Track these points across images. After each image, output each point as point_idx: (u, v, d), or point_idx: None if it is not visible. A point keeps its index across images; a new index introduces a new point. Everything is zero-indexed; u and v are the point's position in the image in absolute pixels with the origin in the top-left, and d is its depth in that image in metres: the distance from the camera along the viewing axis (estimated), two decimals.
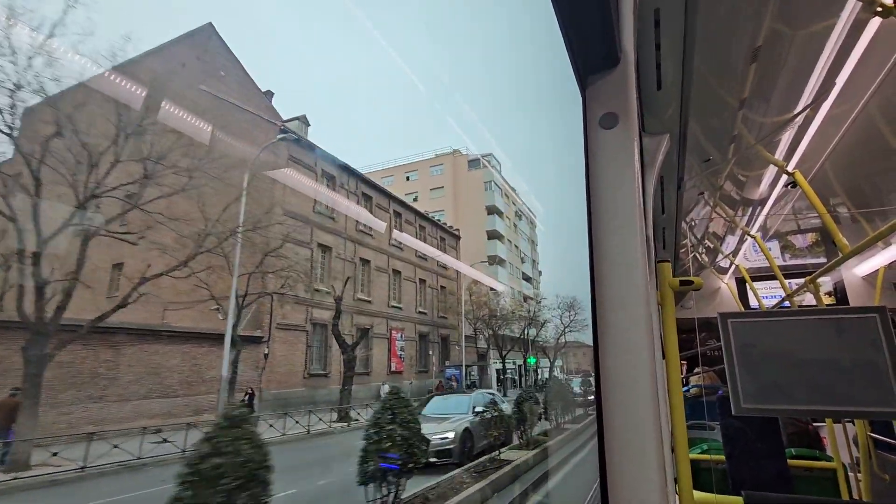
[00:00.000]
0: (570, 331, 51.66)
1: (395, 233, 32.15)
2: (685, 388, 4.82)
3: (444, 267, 38.77)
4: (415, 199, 48.23)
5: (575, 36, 1.01)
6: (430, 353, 34.17)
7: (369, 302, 28.04)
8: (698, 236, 4.35)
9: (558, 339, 51.55)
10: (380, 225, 30.28)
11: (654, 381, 0.92)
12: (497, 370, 42.48)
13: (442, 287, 37.89)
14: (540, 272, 65.66)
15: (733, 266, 5.16)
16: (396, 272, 31.77)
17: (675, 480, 1.40)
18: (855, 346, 1.39)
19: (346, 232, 26.89)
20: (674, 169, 2.12)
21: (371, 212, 29.93)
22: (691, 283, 1.43)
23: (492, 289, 45.65)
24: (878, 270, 3.64)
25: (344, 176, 27.65)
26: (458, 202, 51.04)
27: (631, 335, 0.94)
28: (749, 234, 3.95)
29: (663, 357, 1.44)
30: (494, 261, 49.21)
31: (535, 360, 55.84)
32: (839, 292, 4.63)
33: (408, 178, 54.34)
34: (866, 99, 1.91)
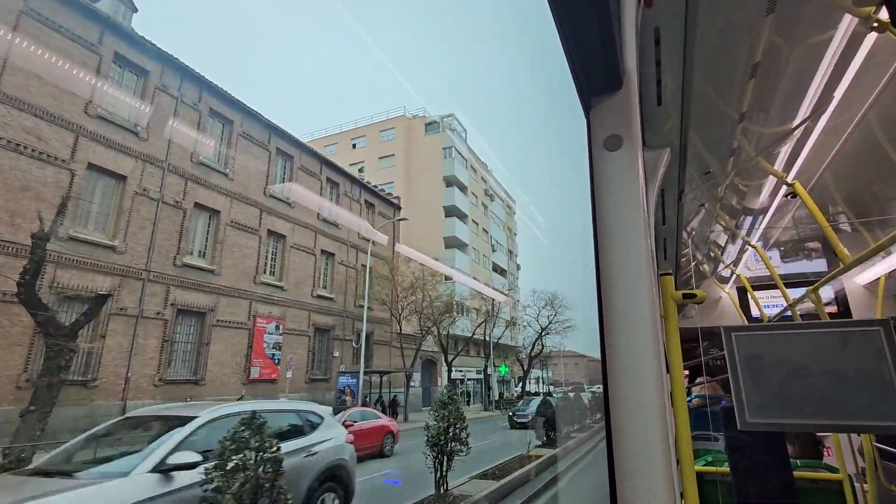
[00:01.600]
0: (549, 334, 41.55)
1: (281, 183, 22.60)
2: (688, 399, 4.55)
3: (372, 242, 29.11)
4: (360, 170, 38.64)
5: (578, 60, 1.00)
6: (335, 354, 24.38)
7: (211, 272, 18.39)
8: (699, 247, 4.33)
9: (534, 343, 41.29)
10: (247, 166, 20.75)
11: (663, 395, 0.92)
12: (454, 380, 32.75)
13: (365, 266, 28.17)
14: (518, 266, 55.78)
15: (734, 276, 5.18)
16: (276, 235, 22.10)
17: (681, 495, 1.37)
18: (859, 359, 1.37)
19: (167, 161, 17.33)
20: (674, 181, 2.12)
21: (232, 145, 20.40)
22: (694, 296, 1.41)
23: (447, 277, 36.16)
24: (879, 279, 3.68)
25: (174, 79, 18.10)
26: (410, 172, 41.38)
27: (638, 350, 0.93)
28: (750, 244, 4.00)
29: (667, 369, 1.40)
30: (451, 243, 39.44)
31: (507, 369, 45.75)
32: (840, 302, 4.59)
33: (354, 146, 44.81)
34: (864, 110, 1.97)
